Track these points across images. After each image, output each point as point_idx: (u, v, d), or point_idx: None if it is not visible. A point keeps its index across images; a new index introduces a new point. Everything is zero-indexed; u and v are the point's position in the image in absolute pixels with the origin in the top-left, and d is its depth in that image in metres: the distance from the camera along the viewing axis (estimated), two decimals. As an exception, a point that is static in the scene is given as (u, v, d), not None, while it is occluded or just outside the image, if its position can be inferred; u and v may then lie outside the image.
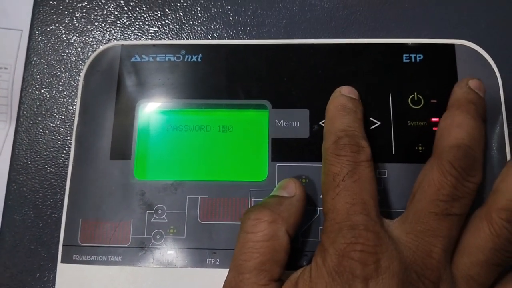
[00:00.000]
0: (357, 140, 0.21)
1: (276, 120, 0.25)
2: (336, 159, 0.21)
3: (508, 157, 0.25)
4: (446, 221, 0.20)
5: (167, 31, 0.29)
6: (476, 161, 0.20)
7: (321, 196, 0.24)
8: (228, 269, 0.22)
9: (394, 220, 0.21)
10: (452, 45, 0.26)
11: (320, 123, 0.25)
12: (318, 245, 0.20)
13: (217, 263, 0.23)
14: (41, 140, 0.28)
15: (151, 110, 0.26)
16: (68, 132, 0.28)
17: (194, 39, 0.28)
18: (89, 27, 0.29)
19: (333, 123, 0.22)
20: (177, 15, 0.29)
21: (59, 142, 0.28)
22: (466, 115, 0.22)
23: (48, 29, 0.30)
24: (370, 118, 0.25)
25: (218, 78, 0.26)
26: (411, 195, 0.21)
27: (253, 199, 0.24)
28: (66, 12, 0.30)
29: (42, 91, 0.29)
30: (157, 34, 0.29)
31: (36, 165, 0.27)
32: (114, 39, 0.29)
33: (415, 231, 0.20)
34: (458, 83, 0.24)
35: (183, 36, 0.29)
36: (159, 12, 0.29)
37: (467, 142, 0.21)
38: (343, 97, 0.23)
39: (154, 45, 0.27)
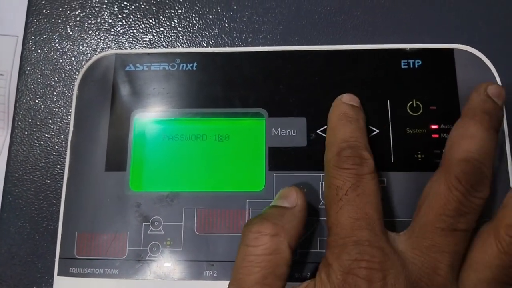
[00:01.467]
0: (360, 152, 0.21)
1: (273, 129, 0.25)
2: (338, 172, 0.20)
3: (510, 164, 0.24)
4: (452, 236, 0.19)
5: (162, 39, 0.29)
6: (485, 176, 0.20)
7: (319, 206, 0.24)
8: (226, 282, 0.21)
9: (400, 234, 0.21)
10: (451, 50, 0.25)
11: (318, 131, 0.25)
12: (322, 258, 0.20)
13: (214, 275, 0.23)
14: (36, 151, 0.27)
15: (146, 120, 0.26)
16: (63, 143, 0.27)
17: (189, 47, 0.28)
18: (83, 35, 0.29)
19: (335, 133, 0.22)
20: (172, 22, 0.29)
21: (54, 153, 0.27)
22: (479, 127, 0.21)
23: (42, 38, 0.29)
24: (369, 126, 0.25)
25: (214, 87, 0.25)
26: (417, 207, 0.21)
27: (250, 210, 0.24)
28: (59, 21, 0.29)
29: (37, 101, 0.28)
30: (152, 42, 0.29)
31: (31, 177, 0.27)
32: (108, 47, 0.29)
33: (421, 247, 0.19)
34: (477, 88, 0.23)
35: (178, 43, 0.28)
36: (153, 20, 0.29)
37: (477, 156, 0.20)
38: (344, 105, 0.23)
39: (148, 54, 0.26)
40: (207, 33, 0.28)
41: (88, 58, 0.28)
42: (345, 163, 0.20)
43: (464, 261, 0.20)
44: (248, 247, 0.19)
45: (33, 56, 0.29)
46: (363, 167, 0.20)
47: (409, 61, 0.25)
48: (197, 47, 0.28)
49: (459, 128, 0.22)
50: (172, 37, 0.28)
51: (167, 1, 0.29)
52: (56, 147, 0.27)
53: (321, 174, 0.24)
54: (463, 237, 0.19)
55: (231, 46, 0.28)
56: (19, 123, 0.28)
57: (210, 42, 0.28)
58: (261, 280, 0.19)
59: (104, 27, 0.29)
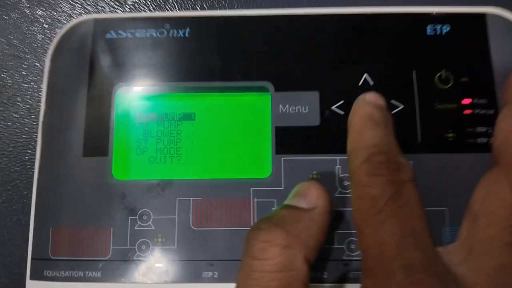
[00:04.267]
0: (394, 157, 0.18)
1: (280, 105, 0.23)
2: (373, 179, 0.17)
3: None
4: None
5: (149, 2, 0.26)
6: None
7: (336, 195, 0.21)
8: (228, 284, 0.21)
9: (452, 250, 0.17)
10: (483, 14, 0.23)
11: (333, 107, 0.22)
12: None
13: (215, 276, 0.21)
14: (3, 134, 0.25)
15: (131, 96, 0.23)
16: (34, 123, 0.25)
17: (180, 10, 0.26)
18: None
19: (360, 137, 0.19)
20: (160, -17, 0.26)
21: (24, 136, 0.25)
22: None
23: (9, 2, 0.26)
24: (392, 101, 0.22)
25: (210, 57, 0.23)
26: (468, 213, 0.17)
27: (255, 200, 0.22)
28: (28, -19, 0.27)
29: (3, 75, 0.26)
30: (136, 5, 0.26)
31: None
32: (87, 12, 0.26)
33: (487, 268, 0.16)
34: None
35: (167, 7, 0.26)
36: (138, -21, 0.26)
37: None
38: (369, 105, 0.20)
39: (132, 19, 0.24)
40: (201, -5, 0.26)
41: (62, 25, 0.26)
42: (379, 169, 0.17)
43: None
44: (253, 261, 0.16)
45: None
46: (401, 173, 0.17)
47: (436, 26, 0.23)
48: (190, 10, 0.26)
49: (509, 118, 0.19)
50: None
51: (154, -42, 0.26)
52: (26, 128, 0.25)
53: (338, 157, 0.22)
54: None
55: (229, 9, 0.26)
56: (-17, 101, 0.26)
57: (205, 4, 0.26)
58: None
59: (81, -11, 0.26)
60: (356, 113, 0.20)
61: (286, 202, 0.19)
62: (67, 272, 0.21)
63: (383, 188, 0.17)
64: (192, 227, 0.21)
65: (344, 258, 0.21)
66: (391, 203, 0.16)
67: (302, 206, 0.18)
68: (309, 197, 0.18)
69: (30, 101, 0.25)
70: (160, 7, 0.26)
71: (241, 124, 0.23)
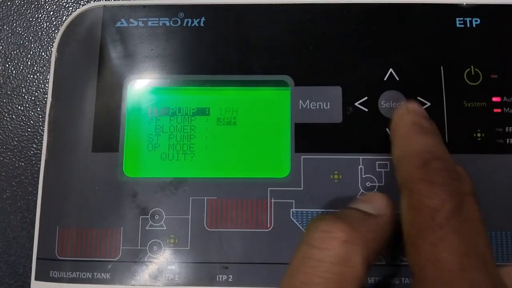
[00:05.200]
0: (453, 166, 0.17)
1: (300, 101, 0.22)
2: (432, 188, 0.16)
3: None
4: None
5: None
6: None
7: (359, 196, 0.21)
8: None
9: (510, 272, 0.16)
10: None
11: (356, 104, 0.22)
12: None
13: (229, 280, 0.20)
14: (7, 127, 0.25)
15: (143, 88, 0.23)
16: (40, 117, 0.25)
17: None
18: None
19: (410, 143, 0.18)
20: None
21: (29, 130, 0.25)
22: None
23: None
24: (418, 98, 0.22)
25: (226, 48, 0.23)
26: None
27: (273, 200, 0.21)
28: (33, -34, 0.26)
29: (7, 65, 0.25)
30: None
31: (1, 158, 0.24)
32: None
33: None
34: None
35: None
36: (149, -35, 0.25)
37: None
38: (415, 114, 0.19)
39: (144, 6, 0.23)
40: (217, -17, 0.25)
41: (69, 12, 0.26)
42: (439, 176, 0.16)
43: None
44: (310, 248, 0.16)
45: (1, 10, 0.26)
46: (462, 184, 0.16)
47: (465, 19, 0.23)
48: None
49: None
50: None
51: None
52: (32, 122, 0.25)
53: (361, 157, 0.21)
54: None
55: None
56: (-15, 92, 0.25)
57: None
58: None
59: (89, -26, 0.26)
60: (401, 120, 0.19)
61: (350, 205, 0.18)
62: (74, 273, 0.21)
63: (444, 199, 0.15)
64: (206, 228, 0.21)
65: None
66: (453, 217, 0.15)
67: (369, 211, 0.17)
68: (377, 204, 0.18)
69: (35, 93, 0.25)
70: (173, -5, 0.25)
71: (258, 120, 0.22)
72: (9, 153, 0.24)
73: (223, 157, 0.22)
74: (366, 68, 0.22)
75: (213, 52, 0.22)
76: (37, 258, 0.21)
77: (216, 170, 0.22)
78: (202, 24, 0.23)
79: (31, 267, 0.21)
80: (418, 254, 0.16)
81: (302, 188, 0.21)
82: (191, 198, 0.21)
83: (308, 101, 0.22)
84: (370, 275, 0.20)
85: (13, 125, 0.24)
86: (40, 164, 0.22)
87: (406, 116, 0.19)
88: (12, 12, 0.25)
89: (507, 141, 0.21)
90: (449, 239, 0.15)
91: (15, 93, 0.25)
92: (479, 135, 0.21)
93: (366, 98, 0.22)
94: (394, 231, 0.18)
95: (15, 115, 0.25)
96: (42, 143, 0.22)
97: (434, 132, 0.18)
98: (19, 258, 0.23)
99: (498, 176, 0.21)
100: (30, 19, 0.25)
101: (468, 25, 0.22)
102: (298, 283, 0.15)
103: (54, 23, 0.25)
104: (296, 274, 0.16)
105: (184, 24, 0.23)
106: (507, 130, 0.21)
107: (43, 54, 0.25)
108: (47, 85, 0.25)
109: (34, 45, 0.25)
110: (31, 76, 0.25)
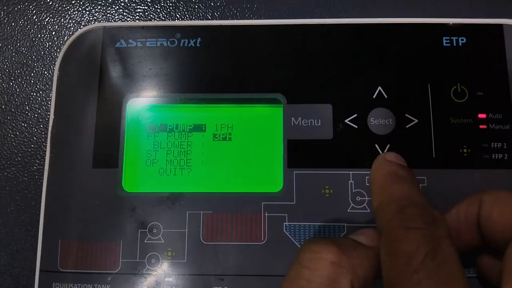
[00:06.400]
0: (429, 210, 0.17)
1: (292, 118, 0.22)
2: (406, 233, 0.16)
3: None
4: None
5: (159, 10, 0.26)
6: None
7: (348, 210, 0.21)
8: None
9: None
10: (500, 25, 0.23)
11: (347, 121, 0.22)
12: None
13: None
14: (11, 143, 0.25)
15: (141, 106, 0.23)
16: (43, 133, 0.25)
17: (191, 19, 0.25)
18: (65, 5, 0.26)
19: (387, 191, 0.18)
20: (170, -10, 0.26)
21: (32, 146, 0.25)
22: None
23: (16, 8, 0.26)
24: (406, 115, 0.22)
25: (221, 67, 0.23)
26: (507, 276, 0.16)
27: (266, 214, 0.21)
28: (36, -12, 0.26)
29: (11, 84, 0.25)
30: (147, 13, 0.26)
31: (5, 174, 0.24)
32: (95, 20, 0.26)
33: None
34: None
35: (177, 15, 0.25)
36: (148, -13, 0.25)
37: None
38: (391, 163, 0.19)
39: (143, 27, 0.24)
40: (212, 3, 0.25)
41: (71, 33, 0.26)
42: (414, 221, 0.16)
43: None
44: (301, 268, 0.16)
45: (6, 30, 0.26)
46: (438, 227, 0.16)
47: (452, 38, 0.23)
48: (201, 19, 0.25)
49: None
50: (171, 8, 0.26)
51: (164, -35, 0.26)
52: (35, 138, 0.25)
53: (351, 172, 0.22)
54: None
55: (240, 19, 0.25)
56: (-9, 109, 0.25)
57: (216, 13, 0.25)
58: None
59: (90, -4, 0.26)
60: (378, 171, 0.19)
61: (346, 236, 0.19)
62: (75, 285, 0.21)
63: (419, 244, 0.15)
64: (202, 241, 0.21)
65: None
66: (428, 261, 0.15)
67: (361, 241, 0.18)
68: (369, 236, 0.18)
69: (38, 110, 0.25)
70: (170, 16, 0.25)
71: (252, 137, 0.22)
72: (13, 168, 0.24)
73: (218, 172, 0.22)
74: (355, 86, 0.22)
75: (209, 71, 0.23)
76: (40, 270, 0.21)
77: (211, 185, 0.22)
78: (198, 45, 0.23)
79: (34, 279, 0.21)
80: None
81: (294, 202, 0.21)
82: (187, 212, 0.21)
83: (300, 118, 0.22)
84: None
85: (17, 141, 0.25)
86: (43, 179, 0.22)
87: (383, 166, 0.19)
88: (16, 32, 0.26)
89: (493, 156, 0.21)
90: (425, 284, 0.15)
91: (19, 110, 0.25)
92: (465, 150, 0.22)
93: (355, 115, 0.22)
94: None
95: (18, 132, 0.25)
96: (44, 159, 0.23)
97: (410, 180, 0.18)
98: (22, 270, 0.24)
99: (484, 190, 0.21)
100: (33, 39, 0.26)
101: (455, 44, 0.23)
102: None
103: (56, 43, 0.26)
104: None
105: (181, 45, 0.23)
106: (492, 145, 0.22)
107: (45, 72, 0.25)
108: (49, 102, 0.25)
109: (37, 64, 0.25)
110: (34, 94, 0.25)
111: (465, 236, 0.18)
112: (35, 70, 0.25)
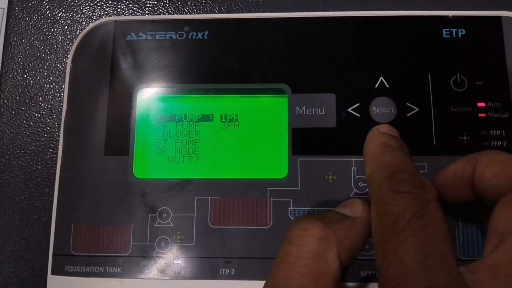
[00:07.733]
0: (418, 176, 0.18)
1: (297, 107, 0.23)
2: (395, 196, 0.17)
3: None
4: None
5: (167, 4, 0.26)
6: None
7: (352, 195, 0.22)
8: (244, 281, 0.21)
9: (476, 269, 0.16)
10: (499, 17, 0.23)
11: (349, 109, 0.23)
12: None
13: (232, 273, 0.21)
14: (25, 133, 0.25)
15: (151, 97, 0.23)
16: (56, 123, 0.25)
17: (199, 13, 0.26)
18: (77, 1, 0.26)
19: (379, 160, 0.19)
20: (179, -14, 0.26)
21: (45, 135, 0.25)
22: None
23: (30, 4, 0.27)
24: (407, 104, 0.22)
25: (228, 59, 0.23)
26: (493, 233, 0.17)
27: (272, 200, 0.22)
28: (49, -16, 0.27)
29: (25, 76, 0.26)
30: (156, 7, 0.26)
31: (20, 162, 0.25)
32: (106, 14, 0.26)
33: None
34: None
35: (185, 9, 0.26)
36: (157, -17, 0.26)
37: None
38: (383, 135, 0.20)
39: (152, 21, 0.24)
40: (219, -2, 0.26)
41: (83, 27, 0.26)
42: (403, 186, 0.17)
43: None
44: (290, 245, 0.17)
45: (20, 24, 0.26)
46: (425, 191, 0.17)
47: (451, 30, 0.23)
48: (209, 13, 0.26)
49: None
50: (180, 2, 0.26)
51: (173, -38, 0.26)
52: (48, 128, 0.25)
53: (354, 159, 0.22)
54: None
55: (247, 12, 0.26)
56: (5, 101, 0.26)
57: (222, 7, 0.26)
58: None
59: (101, -9, 0.27)
60: (371, 142, 0.20)
61: (332, 210, 0.19)
62: (87, 267, 0.21)
63: (406, 206, 0.16)
64: (210, 225, 0.22)
65: (358, 257, 0.21)
66: (414, 222, 0.16)
67: (345, 213, 0.18)
68: (353, 207, 0.18)
69: (51, 101, 0.25)
70: (178, 10, 0.26)
71: (258, 125, 0.23)
72: (27, 157, 0.25)
73: (225, 159, 0.23)
74: (358, 76, 0.22)
75: (216, 62, 0.23)
76: (53, 254, 0.22)
77: (219, 172, 0.22)
78: (205, 37, 0.23)
79: (47, 263, 0.22)
80: (383, 256, 0.16)
81: (299, 188, 0.22)
82: (196, 197, 0.22)
83: (304, 107, 0.23)
84: (362, 269, 0.21)
85: (30, 131, 0.25)
86: (56, 167, 0.23)
87: (376, 137, 0.20)
88: (30, 27, 0.26)
89: (492, 144, 0.22)
90: (411, 241, 0.15)
91: (33, 101, 0.25)
92: (465, 138, 0.22)
93: (358, 104, 0.22)
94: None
95: (32, 122, 0.25)
96: (58, 147, 0.23)
97: (401, 149, 0.19)
98: (36, 254, 0.24)
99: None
100: (47, 33, 0.26)
101: (454, 36, 0.23)
102: (279, 278, 0.16)
103: (69, 36, 0.26)
104: (278, 270, 0.16)
105: (189, 37, 0.24)
106: (491, 133, 0.22)
107: (58, 65, 0.26)
108: (62, 94, 0.25)
109: (50, 57, 0.26)
110: (48, 86, 0.26)
111: (460, 191, 0.19)
112: (48, 63, 0.26)
